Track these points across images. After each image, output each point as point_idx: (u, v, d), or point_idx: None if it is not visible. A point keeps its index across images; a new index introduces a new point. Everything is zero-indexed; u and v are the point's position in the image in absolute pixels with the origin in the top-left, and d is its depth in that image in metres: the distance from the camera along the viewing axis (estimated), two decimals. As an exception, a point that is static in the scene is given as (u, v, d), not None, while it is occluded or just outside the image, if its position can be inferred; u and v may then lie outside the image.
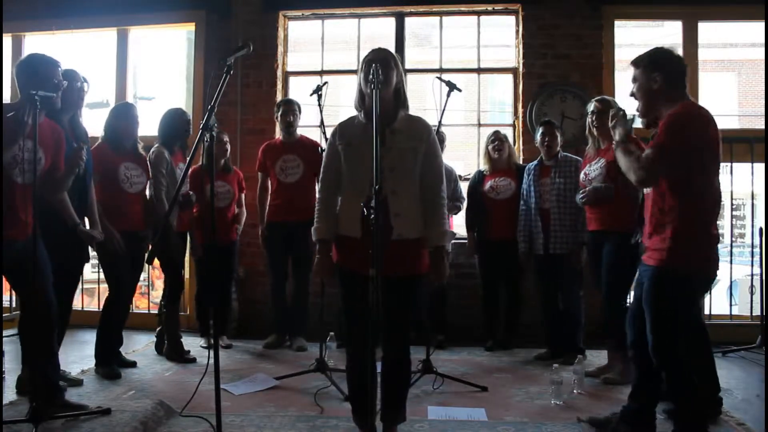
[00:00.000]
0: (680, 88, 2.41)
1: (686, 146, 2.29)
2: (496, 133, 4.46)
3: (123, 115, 3.74)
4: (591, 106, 3.64)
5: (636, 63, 2.49)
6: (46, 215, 2.87)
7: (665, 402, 2.73)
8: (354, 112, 2.47)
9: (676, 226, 2.33)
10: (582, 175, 3.71)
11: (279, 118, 4.53)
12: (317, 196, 2.48)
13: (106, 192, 3.61)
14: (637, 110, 2.53)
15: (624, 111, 2.61)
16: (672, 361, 2.39)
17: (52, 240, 2.88)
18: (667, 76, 2.39)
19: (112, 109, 3.85)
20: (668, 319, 2.37)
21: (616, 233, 3.41)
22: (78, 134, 3.24)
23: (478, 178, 4.51)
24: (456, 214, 4.53)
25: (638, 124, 2.61)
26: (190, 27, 5.42)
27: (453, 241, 4.72)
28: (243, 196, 4.61)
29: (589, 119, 3.65)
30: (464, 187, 4.66)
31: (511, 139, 4.62)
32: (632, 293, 2.66)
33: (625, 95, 3.67)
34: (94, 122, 3.88)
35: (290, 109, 4.45)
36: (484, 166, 4.50)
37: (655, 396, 2.60)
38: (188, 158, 2.21)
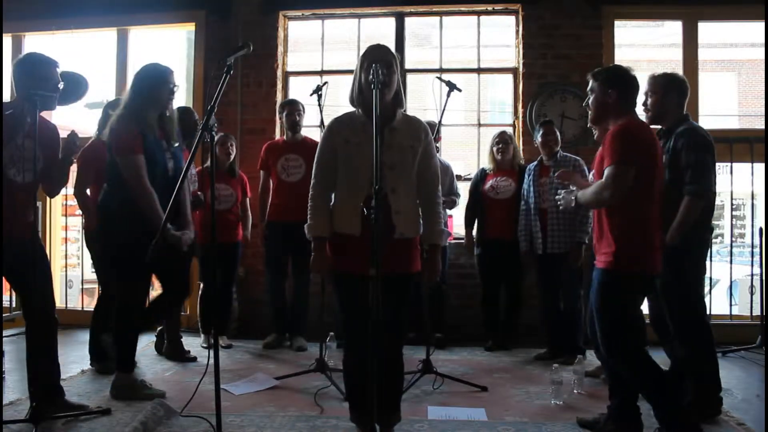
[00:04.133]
0: (630, 106, 2.59)
1: (636, 154, 2.43)
2: (502, 135, 4.46)
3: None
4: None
5: (594, 76, 2.65)
6: (134, 220, 2.84)
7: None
8: (352, 110, 2.46)
9: (615, 232, 2.49)
10: (591, 177, 3.70)
11: (284, 118, 4.52)
12: (310, 192, 2.44)
13: (99, 190, 3.59)
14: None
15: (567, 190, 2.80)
16: (621, 354, 2.52)
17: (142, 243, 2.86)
18: (621, 93, 2.56)
19: (106, 106, 3.79)
20: (613, 317, 2.51)
21: None
22: (168, 132, 3.12)
23: (481, 177, 4.52)
24: (451, 208, 4.54)
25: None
26: (190, 27, 5.42)
27: (453, 241, 4.73)
28: (248, 200, 4.61)
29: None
30: (462, 185, 4.66)
31: (515, 140, 4.61)
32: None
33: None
34: (94, 122, 3.86)
35: (295, 109, 4.46)
36: (488, 165, 4.51)
37: (633, 391, 2.63)
38: (189, 158, 2.21)
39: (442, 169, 4.45)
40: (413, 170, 2.40)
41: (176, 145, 3.12)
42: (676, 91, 2.97)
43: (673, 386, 2.57)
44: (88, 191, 3.76)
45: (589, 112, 2.69)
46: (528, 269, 4.38)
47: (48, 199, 5.36)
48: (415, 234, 2.41)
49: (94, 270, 3.76)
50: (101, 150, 3.61)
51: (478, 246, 4.51)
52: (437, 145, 4.45)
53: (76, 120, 5.71)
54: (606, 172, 2.48)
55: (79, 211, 3.98)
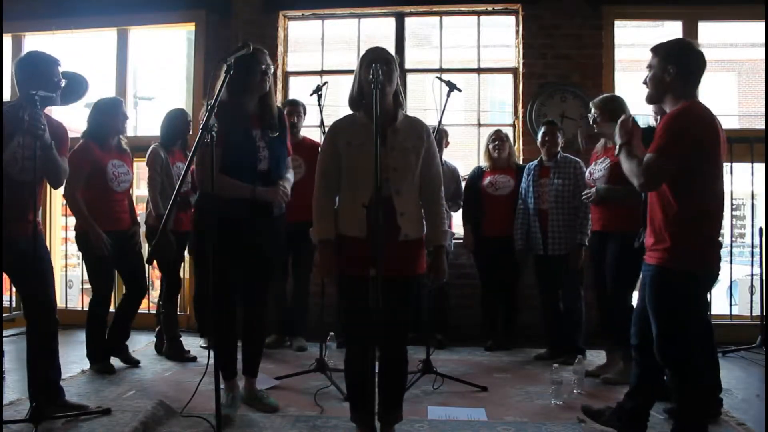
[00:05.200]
0: (691, 86, 2.36)
1: (686, 148, 2.26)
2: (497, 133, 4.47)
3: (110, 111, 3.66)
4: (592, 110, 3.60)
5: (655, 50, 2.43)
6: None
7: (665, 402, 2.74)
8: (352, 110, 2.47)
9: (675, 227, 2.32)
10: (587, 173, 3.71)
11: None
12: (314, 195, 2.45)
13: (94, 192, 3.58)
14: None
15: (634, 118, 2.58)
16: (676, 361, 2.37)
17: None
18: (682, 71, 2.34)
19: (97, 103, 3.72)
20: (671, 317, 2.36)
21: (619, 233, 3.40)
22: (266, 121, 2.90)
23: (477, 174, 4.51)
24: (456, 211, 4.53)
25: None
26: (190, 27, 5.43)
27: (453, 241, 4.73)
28: None
29: (592, 122, 3.62)
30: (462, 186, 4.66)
31: (511, 139, 4.62)
32: (637, 294, 2.65)
33: (625, 95, 3.68)
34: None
35: (295, 110, 4.43)
36: (484, 164, 4.51)
37: (653, 397, 2.61)
38: (188, 158, 2.20)
39: (449, 173, 4.48)
40: (416, 171, 2.41)
41: (275, 135, 2.91)
42: None
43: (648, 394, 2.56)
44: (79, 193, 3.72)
45: (647, 90, 2.49)
46: (523, 268, 4.38)
47: (48, 199, 5.37)
48: (419, 235, 2.41)
49: (88, 273, 3.74)
50: (92, 151, 3.60)
51: (476, 246, 4.51)
52: (444, 148, 4.46)
53: (77, 120, 5.70)
54: (645, 158, 2.31)
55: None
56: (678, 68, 2.33)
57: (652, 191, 2.35)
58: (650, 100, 2.49)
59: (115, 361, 3.80)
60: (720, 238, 2.41)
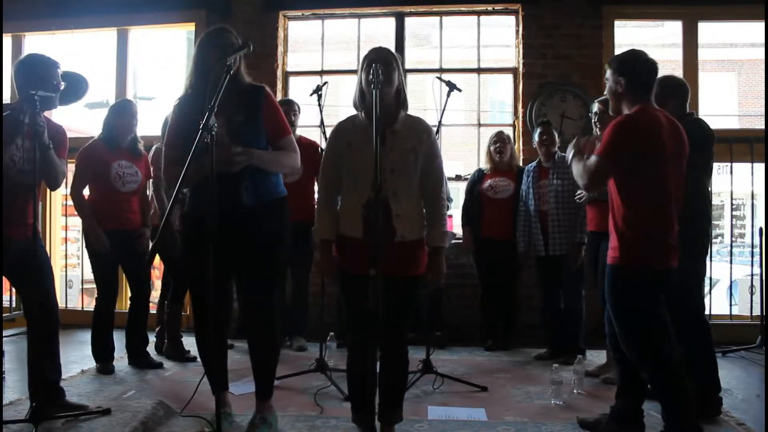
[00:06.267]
0: (642, 94, 2.49)
1: (625, 150, 2.39)
2: (500, 134, 4.46)
3: (121, 113, 3.72)
4: (594, 107, 3.61)
5: (609, 63, 2.60)
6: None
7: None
8: (353, 111, 2.47)
9: (623, 226, 2.46)
10: None
11: None
12: (317, 196, 2.47)
13: (98, 191, 3.62)
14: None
15: (578, 138, 2.83)
16: (641, 357, 2.46)
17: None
18: (631, 81, 2.48)
19: (111, 106, 3.83)
20: (627, 315, 2.47)
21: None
22: (233, 104, 2.55)
23: (478, 176, 4.51)
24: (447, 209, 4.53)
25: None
26: (190, 27, 5.44)
27: (452, 242, 4.73)
28: None
29: (593, 120, 3.63)
30: (461, 186, 4.65)
31: (512, 141, 4.62)
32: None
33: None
34: (94, 122, 3.87)
35: (291, 109, 4.44)
36: (485, 165, 4.51)
37: (641, 393, 2.63)
38: (188, 158, 2.19)
39: None
40: (415, 172, 2.40)
41: (240, 119, 2.58)
42: (674, 97, 2.95)
43: (638, 388, 2.60)
44: (86, 192, 3.73)
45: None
46: (525, 270, 4.38)
47: (48, 199, 5.37)
48: (418, 236, 2.41)
49: (92, 272, 3.75)
50: (97, 151, 3.62)
51: (476, 246, 4.50)
52: None
53: (77, 120, 5.71)
54: (591, 159, 2.50)
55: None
56: (627, 79, 2.48)
57: (594, 190, 2.52)
58: (612, 110, 2.63)
59: (121, 363, 3.81)
60: (665, 232, 2.45)
